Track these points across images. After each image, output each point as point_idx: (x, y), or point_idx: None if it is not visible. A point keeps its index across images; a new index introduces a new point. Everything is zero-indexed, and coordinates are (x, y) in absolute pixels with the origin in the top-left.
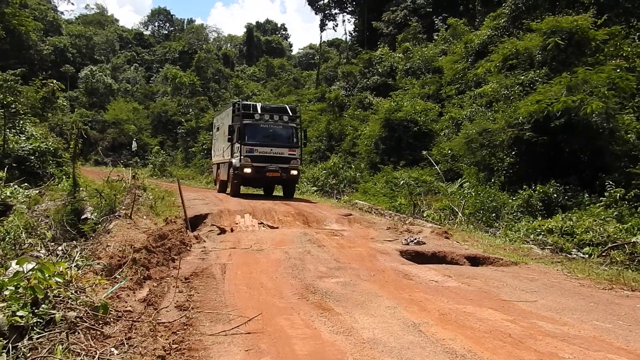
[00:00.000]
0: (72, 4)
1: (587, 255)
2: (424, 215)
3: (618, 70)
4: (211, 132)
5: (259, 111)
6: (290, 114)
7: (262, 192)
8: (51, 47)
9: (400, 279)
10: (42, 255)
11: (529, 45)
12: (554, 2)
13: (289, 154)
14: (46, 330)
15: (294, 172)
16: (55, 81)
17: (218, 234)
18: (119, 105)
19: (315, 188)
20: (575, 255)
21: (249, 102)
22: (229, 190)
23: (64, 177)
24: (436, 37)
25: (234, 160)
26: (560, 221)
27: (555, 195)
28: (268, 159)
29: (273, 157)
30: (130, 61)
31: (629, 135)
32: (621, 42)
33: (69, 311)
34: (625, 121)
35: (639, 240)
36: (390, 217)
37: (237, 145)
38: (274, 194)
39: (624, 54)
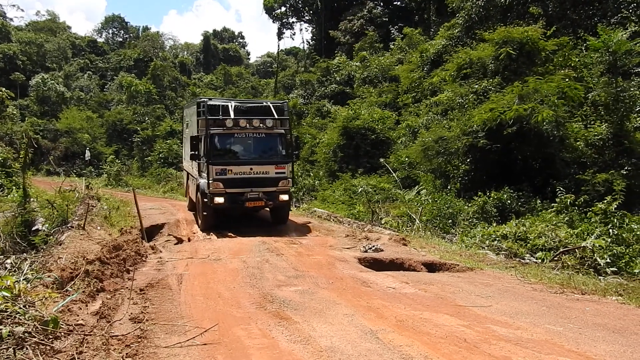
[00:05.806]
0: (22, 10)
1: (539, 260)
2: (382, 222)
3: (567, 80)
4: (168, 140)
5: (232, 115)
6: (276, 115)
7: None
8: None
9: (358, 286)
10: None
11: (482, 54)
12: (505, 14)
13: (277, 173)
14: None
15: (284, 197)
16: (4, 89)
17: (175, 244)
18: (71, 113)
19: None
20: (528, 260)
21: (217, 102)
22: (199, 222)
23: (14, 187)
24: (392, 47)
25: (201, 182)
26: (514, 227)
27: (509, 201)
28: (247, 182)
29: (254, 179)
30: (84, 69)
31: (577, 143)
32: (569, 52)
33: (16, 326)
34: (574, 129)
35: (588, 245)
36: (348, 225)
37: (204, 163)
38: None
39: (572, 64)
